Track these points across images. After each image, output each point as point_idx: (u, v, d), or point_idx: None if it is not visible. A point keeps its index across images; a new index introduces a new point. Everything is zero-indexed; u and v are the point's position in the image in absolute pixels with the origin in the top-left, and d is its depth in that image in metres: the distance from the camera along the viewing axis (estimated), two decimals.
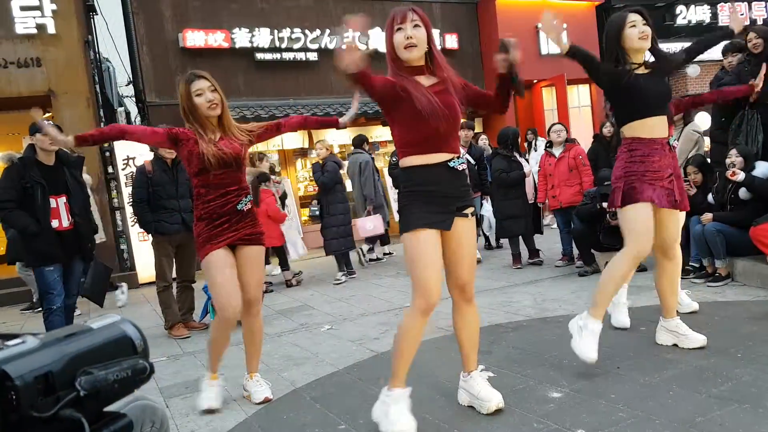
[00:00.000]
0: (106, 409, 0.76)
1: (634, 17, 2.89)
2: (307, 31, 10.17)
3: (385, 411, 2.39)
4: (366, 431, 2.52)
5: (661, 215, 2.96)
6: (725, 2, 13.40)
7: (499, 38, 2.40)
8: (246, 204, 2.96)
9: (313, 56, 10.27)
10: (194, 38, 9.48)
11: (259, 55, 9.91)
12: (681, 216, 3.21)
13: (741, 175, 4.40)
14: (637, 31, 2.87)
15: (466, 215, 2.42)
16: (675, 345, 3.07)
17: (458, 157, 2.37)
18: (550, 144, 5.98)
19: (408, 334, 2.37)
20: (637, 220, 2.87)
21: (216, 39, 9.60)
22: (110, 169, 8.69)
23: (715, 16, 13.36)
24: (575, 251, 5.78)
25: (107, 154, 8.69)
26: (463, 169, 2.40)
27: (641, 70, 2.92)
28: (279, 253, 6.88)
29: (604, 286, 2.91)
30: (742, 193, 4.50)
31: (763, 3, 13.78)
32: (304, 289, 6.50)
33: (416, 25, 2.31)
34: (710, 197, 4.79)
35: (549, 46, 11.78)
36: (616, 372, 2.84)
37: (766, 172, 4.57)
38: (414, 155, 2.34)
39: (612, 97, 3.06)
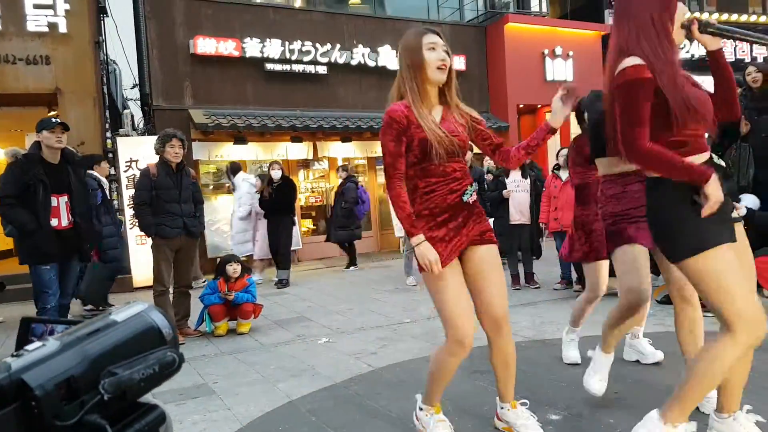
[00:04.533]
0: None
1: None
2: (318, 45, 10.25)
3: None
4: None
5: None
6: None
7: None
8: (471, 195, 2.36)
9: (322, 69, 10.33)
10: (205, 45, 9.54)
11: (269, 66, 9.97)
12: None
13: (743, 210, 4.42)
14: None
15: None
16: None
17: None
18: (557, 167, 6.01)
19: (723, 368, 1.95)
20: (625, 263, 2.68)
21: (227, 47, 9.66)
22: (112, 171, 8.67)
23: None
24: (574, 275, 5.78)
25: (110, 155, 8.69)
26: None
27: None
28: None
29: (608, 329, 2.84)
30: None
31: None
32: (302, 300, 6.47)
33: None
34: None
35: (554, 72, 11.94)
36: (615, 396, 2.82)
37: (752, 206, 4.61)
38: None
39: (592, 129, 2.88)
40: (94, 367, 0.67)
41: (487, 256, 2.32)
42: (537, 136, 2.40)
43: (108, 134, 9.01)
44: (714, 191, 1.80)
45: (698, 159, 1.95)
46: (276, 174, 7.58)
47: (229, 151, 9.62)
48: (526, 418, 2.45)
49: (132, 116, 13.97)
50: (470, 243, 2.31)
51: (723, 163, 2.02)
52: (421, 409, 2.49)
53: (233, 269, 5.12)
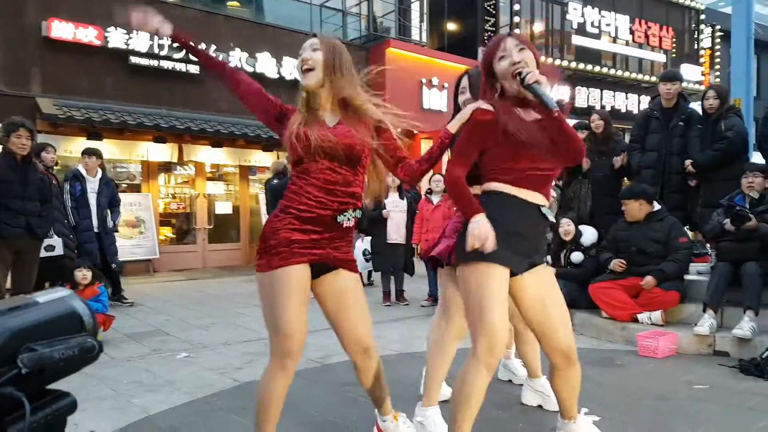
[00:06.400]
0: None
1: None
2: (191, 43, 9.77)
3: None
4: None
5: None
6: (582, 86, 15.29)
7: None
8: (350, 219, 2.16)
9: (194, 69, 9.87)
10: (61, 29, 8.68)
11: (134, 59, 9.33)
12: None
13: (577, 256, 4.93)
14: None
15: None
16: (540, 406, 3.03)
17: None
18: (430, 191, 6.31)
19: (473, 390, 2.01)
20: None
21: (87, 35, 8.88)
22: None
23: (573, 98, 15.13)
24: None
25: None
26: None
27: None
28: None
29: (433, 371, 2.68)
30: (575, 257, 5.07)
31: (612, 92, 15.99)
32: (157, 313, 6.05)
33: (521, 49, 2.08)
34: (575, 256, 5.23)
35: (431, 102, 12.51)
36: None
37: (592, 237, 5.19)
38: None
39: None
40: (13, 341, 0.66)
41: (352, 285, 2.22)
42: (437, 145, 2.34)
43: None
44: (473, 229, 1.96)
45: (526, 195, 2.07)
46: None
47: (80, 147, 8.70)
48: (408, 428, 2.48)
49: None
50: (333, 265, 2.17)
51: (551, 218, 2.17)
52: None
53: (82, 275, 4.69)
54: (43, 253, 5.17)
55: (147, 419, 2.90)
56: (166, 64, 9.64)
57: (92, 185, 6.33)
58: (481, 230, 1.95)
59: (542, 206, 2.11)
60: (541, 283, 2.15)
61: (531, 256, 2.11)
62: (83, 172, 6.32)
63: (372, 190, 2.37)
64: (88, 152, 6.45)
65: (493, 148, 2.06)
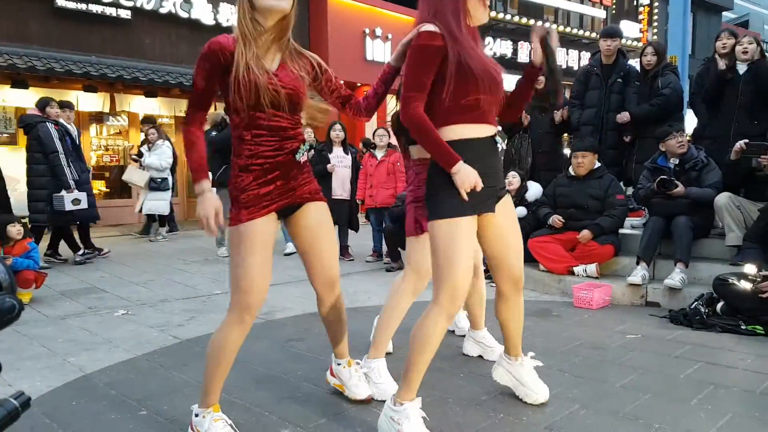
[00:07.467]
0: None
1: None
2: None
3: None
4: (169, 417, 2.33)
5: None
6: (525, 41, 15.37)
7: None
8: (304, 154, 2.16)
9: (125, 14, 9.27)
10: None
11: (61, 2, 8.65)
12: None
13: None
14: None
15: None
16: (480, 356, 3.11)
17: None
18: (373, 146, 6.21)
19: (431, 337, 2.05)
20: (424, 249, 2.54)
21: None
22: None
23: (515, 52, 15.22)
24: (384, 248, 6.10)
25: None
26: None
27: None
28: None
29: (384, 324, 2.69)
30: (518, 211, 5.16)
31: (576, 51, 16.11)
32: (93, 270, 5.82)
33: None
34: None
35: (374, 53, 12.25)
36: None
37: (537, 192, 5.30)
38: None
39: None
40: None
41: (321, 215, 2.22)
42: (380, 79, 2.30)
43: None
44: (460, 179, 1.95)
45: (483, 131, 2.07)
46: None
47: (4, 95, 8.20)
48: (359, 378, 2.49)
49: None
50: (301, 200, 2.16)
51: (503, 146, 2.20)
52: (196, 415, 2.12)
53: (17, 230, 4.47)
54: (70, 207, 5.63)
55: (84, 378, 2.81)
56: (95, 8, 9.00)
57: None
58: (468, 177, 1.96)
59: (494, 136, 2.12)
60: (503, 215, 2.19)
61: (497, 192, 2.14)
62: (66, 125, 6.18)
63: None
64: (68, 106, 6.44)
65: (442, 81, 1.99)
